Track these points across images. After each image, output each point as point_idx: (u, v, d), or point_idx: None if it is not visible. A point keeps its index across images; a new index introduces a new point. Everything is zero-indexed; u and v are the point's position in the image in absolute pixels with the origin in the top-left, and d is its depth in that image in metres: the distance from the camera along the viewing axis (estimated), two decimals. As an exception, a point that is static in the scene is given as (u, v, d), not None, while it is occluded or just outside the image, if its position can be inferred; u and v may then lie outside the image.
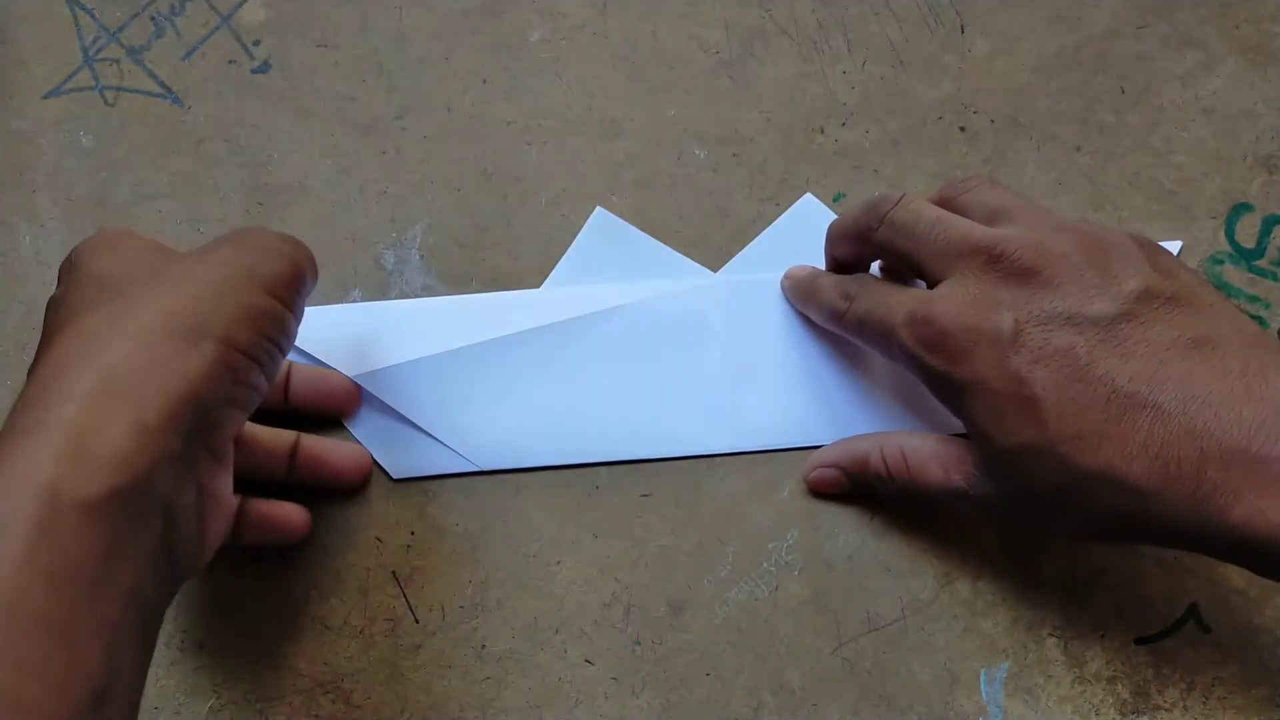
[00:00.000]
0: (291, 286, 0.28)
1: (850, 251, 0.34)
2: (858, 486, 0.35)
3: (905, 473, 0.32)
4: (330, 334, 0.37)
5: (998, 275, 0.28)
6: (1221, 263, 0.38)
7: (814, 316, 0.36)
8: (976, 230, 0.29)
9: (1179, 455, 0.25)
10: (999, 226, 0.30)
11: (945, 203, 0.32)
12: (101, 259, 0.27)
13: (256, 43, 0.40)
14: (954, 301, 0.29)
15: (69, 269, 0.28)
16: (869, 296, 0.32)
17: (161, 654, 0.35)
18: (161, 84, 0.40)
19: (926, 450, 0.32)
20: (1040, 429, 0.27)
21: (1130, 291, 0.27)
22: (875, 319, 0.31)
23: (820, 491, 0.35)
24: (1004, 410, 0.27)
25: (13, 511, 0.21)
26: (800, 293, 0.36)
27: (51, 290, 0.37)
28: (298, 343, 0.37)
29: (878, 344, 0.32)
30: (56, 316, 0.26)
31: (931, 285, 0.30)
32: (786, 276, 0.37)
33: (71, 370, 0.24)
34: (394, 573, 0.35)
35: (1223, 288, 0.37)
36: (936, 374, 0.29)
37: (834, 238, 0.35)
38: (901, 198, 0.31)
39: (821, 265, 0.36)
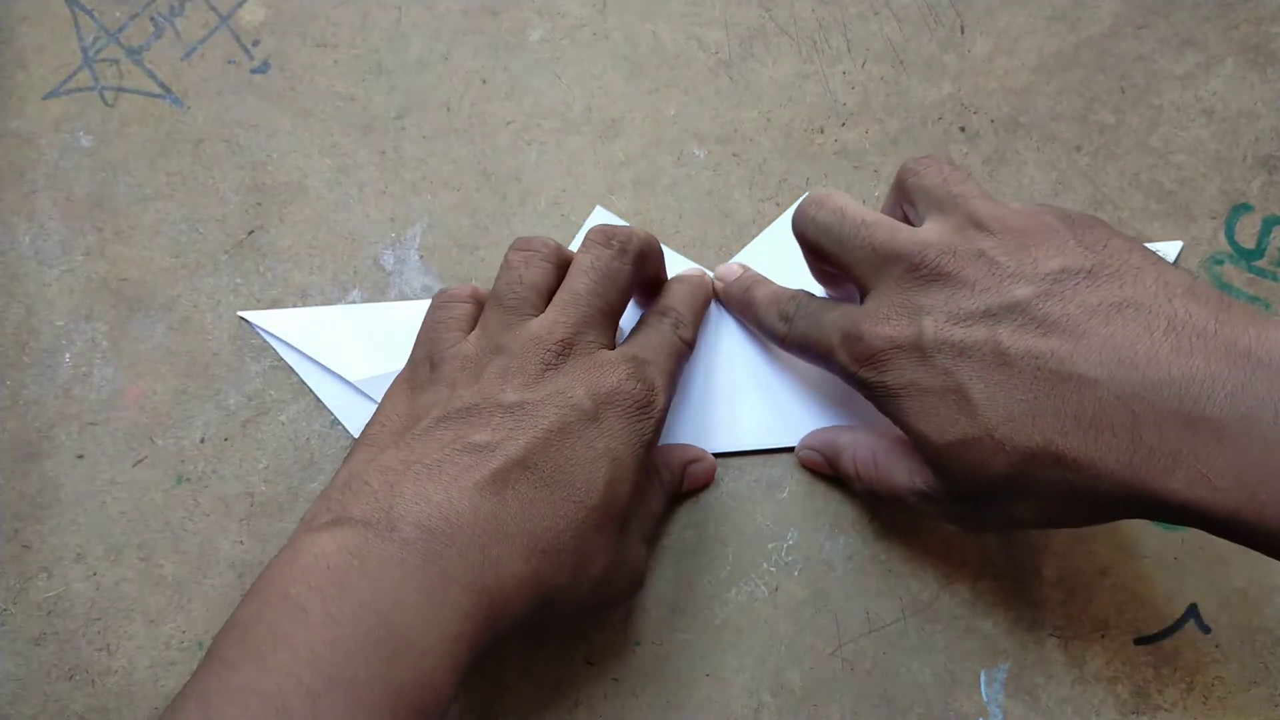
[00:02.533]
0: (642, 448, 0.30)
1: (811, 266, 0.34)
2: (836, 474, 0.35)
3: (873, 474, 0.32)
4: (330, 335, 0.37)
5: (916, 282, 0.29)
6: (1221, 263, 0.38)
7: (754, 331, 0.36)
8: (899, 236, 0.29)
9: (1112, 422, 0.25)
10: (930, 221, 0.30)
11: (899, 186, 0.32)
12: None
13: (256, 43, 0.40)
14: (878, 316, 0.29)
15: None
16: (805, 318, 0.32)
17: (161, 654, 0.35)
18: (161, 84, 0.40)
19: (896, 453, 0.32)
20: (973, 418, 0.27)
21: (1047, 272, 0.27)
22: (813, 341, 0.32)
23: (809, 469, 0.36)
24: (936, 407, 0.28)
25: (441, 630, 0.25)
26: (734, 303, 0.36)
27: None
28: (298, 346, 0.37)
29: (819, 363, 0.33)
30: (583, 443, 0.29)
31: (862, 294, 0.31)
32: (717, 277, 0.37)
33: (510, 553, 0.27)
34: (394, 573, 0.35)
35: (1223, 288, 0.37)
36: (871, 386, 0.29)
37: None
38: (825, 196, 0.31)
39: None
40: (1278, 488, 0.23)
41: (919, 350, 0.28)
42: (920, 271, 0.28)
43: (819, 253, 0.32)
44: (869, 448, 0.33)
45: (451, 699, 0.25)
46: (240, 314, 0.37)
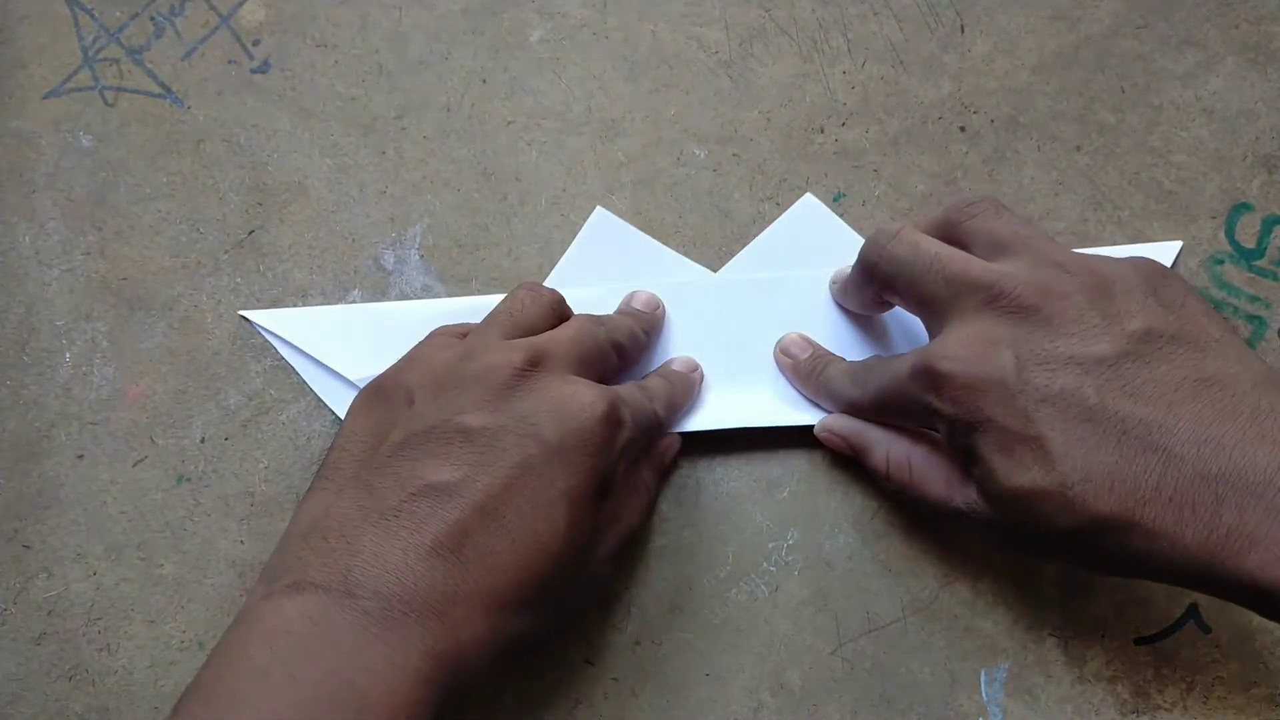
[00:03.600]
0: (598, 446, 0.29)
1: (868, 295, 0.34)
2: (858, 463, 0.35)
3: (907, 479, 0.32)
4: (330, 335, 0.37)
5: (996, 313, 0.28)
6: (1221, 263, 0.38)
7: (833, 409, 0.35)
8: (974, 266, 0.29)
9: (1194, 500, 0.25)
10: (1001, 261, 0.29)
11: (950, 226, 0.32)
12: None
13: (256, 43, 0.40)
14: (953, 344, 0.28)
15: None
16: (878, 375, 0.32)
17: (161, 654, 0.35)
18: (161, 84, 0.40)
19: (933, 461, 0.31)
20: (1048, 469, 0.26)
21: (1133, 331, 0.27)
22: (886, 387, 0.31)
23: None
24: (1012, 449, 0.27)
25: (383, 691, 0.24)
26: (806, 384, 0.36)
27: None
28: (298, 345, 0.37)
29: (900, 414, 0.32)
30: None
31: (934, 331, 0.30)
32: (781, 350, 0.36)
33: (460, 578, 0.26)
34: (394, 573, 0.35)
35: (1223, 288, 0.37)
36: (947, 418, 0.29)
37: (848, 290, 0.35)
38: (899, 230, 0.31)
39: (819, 263, 0.37)
40: None
41: (1002, 386, 0.27)
42: (1000, 302, 0.28)
43: (891, 285, 0.31)
44: (904, 450, 0.32)
45: None
46: (241, 313, 0.37)
